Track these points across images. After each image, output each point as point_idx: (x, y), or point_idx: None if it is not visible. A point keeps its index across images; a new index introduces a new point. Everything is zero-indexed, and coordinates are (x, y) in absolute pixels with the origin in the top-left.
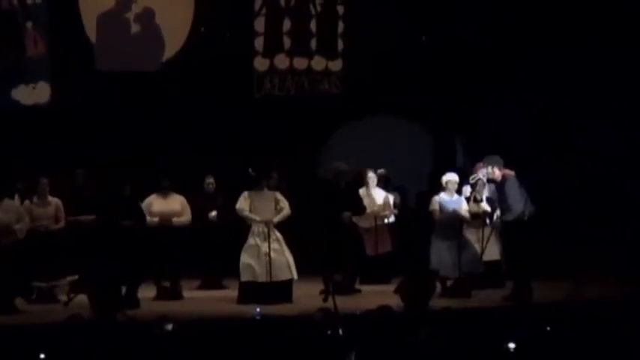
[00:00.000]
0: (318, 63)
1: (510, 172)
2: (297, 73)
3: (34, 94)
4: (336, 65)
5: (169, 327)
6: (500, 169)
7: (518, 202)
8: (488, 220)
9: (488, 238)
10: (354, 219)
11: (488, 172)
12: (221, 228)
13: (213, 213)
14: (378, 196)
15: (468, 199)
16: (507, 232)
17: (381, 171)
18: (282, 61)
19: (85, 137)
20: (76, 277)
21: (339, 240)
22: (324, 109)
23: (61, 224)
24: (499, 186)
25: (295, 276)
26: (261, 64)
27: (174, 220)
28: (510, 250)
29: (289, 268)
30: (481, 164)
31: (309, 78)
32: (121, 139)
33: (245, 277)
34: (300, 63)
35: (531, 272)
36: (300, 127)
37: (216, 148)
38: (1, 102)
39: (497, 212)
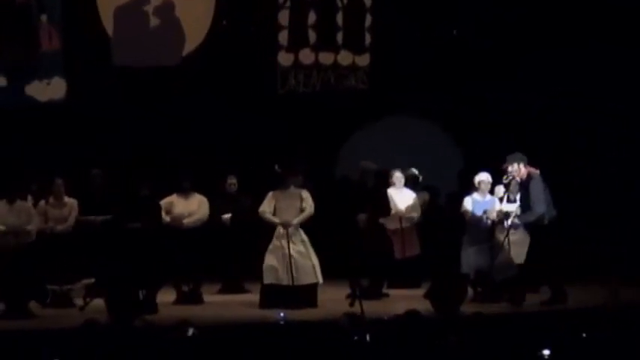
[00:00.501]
0: (345, 58)
1: (535, 171)
2: (323, 68)
3: (48, 90)
4: (364, 60)
5: (190, 332)
6: (525, 166)
7: (541, 202)
8: (506, 222)
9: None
10: (381, 220)
11: (514, 169)
12: (238, 230)
13: (227, 215)
14: (404, 196)
15: (500, 200)
16: (532, 234)
17: (410, 170)
18: (307, 56)
19: (101, 135)
20: (92, 280)
21: (366, 242)
22: (350, 106)
23: (69, 224)
24: (523, 184)
25: (320, 280)
26: (285, 59)
27: (185, 221)
28: (536, 254)
29: (314, 271)
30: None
31: (335, 73)
32: (139, 137)
33: (268, 279)
34: (326, 58)
35: (564, 276)
36: (326, 125)
37: (239, 147)
38: (14, 98)
39: (517, 211)
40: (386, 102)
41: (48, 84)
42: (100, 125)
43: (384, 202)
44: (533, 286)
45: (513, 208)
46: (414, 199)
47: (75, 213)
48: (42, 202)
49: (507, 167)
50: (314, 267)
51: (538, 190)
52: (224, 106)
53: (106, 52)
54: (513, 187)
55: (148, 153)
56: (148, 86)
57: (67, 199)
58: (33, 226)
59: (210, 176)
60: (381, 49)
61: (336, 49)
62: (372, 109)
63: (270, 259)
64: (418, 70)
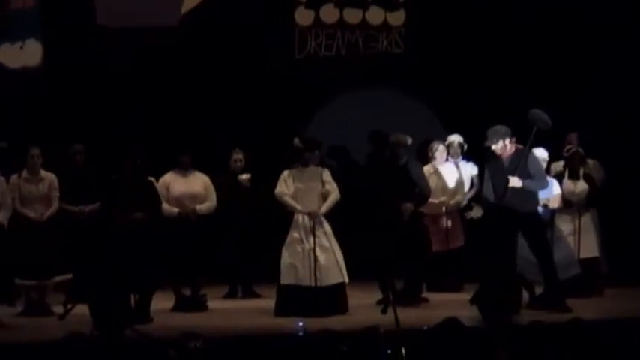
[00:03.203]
0: (375, 15)
1: (521, 147)
2: (349, 28)
3: (22, 55)
4: (397, 18)
5: (192, 345)
6: (511, 142)
7: (544, 173)
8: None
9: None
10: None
11: (498, 147)
12: (246, 218)
13: (245, 176)
14: (448, 174)
15: (560, 178)
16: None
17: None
18: (329, 13)
19: (83, 107)
20: (69, 276)
21: (399, 236)
22: (381, 74)
23: (54, 208)
24: (512, 161)
25: (346, 279)
26: (303, 17)
27: (198, 207)
28: None
29: (339, 268)
30: (575, 135)
31: (363, 34)
32: (128, 108)
33: (286, 279)
34: (352, 15)
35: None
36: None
37: (247, 119)
38: None
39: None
40: (424, 69)
41: (21, 48)
42: (82, 96)
43: (421, 186)
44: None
45: (586, 186)
46: (459, 178)
47: (56, 193)
48: (14, 177)
49: (490, 145)
50: (339, 264)
51: (537, 162)
52: (231, 71)
53: (89, 11)
54: (577, 160)
55: (141, 126)
56: (140, 50)
57: (44, 173)
58: (5, 212)
59: (212, 152)
60: (418, 4)
61: (364, 5)
62: (407, 76)
63: (288, 255)
64: (461, 32)
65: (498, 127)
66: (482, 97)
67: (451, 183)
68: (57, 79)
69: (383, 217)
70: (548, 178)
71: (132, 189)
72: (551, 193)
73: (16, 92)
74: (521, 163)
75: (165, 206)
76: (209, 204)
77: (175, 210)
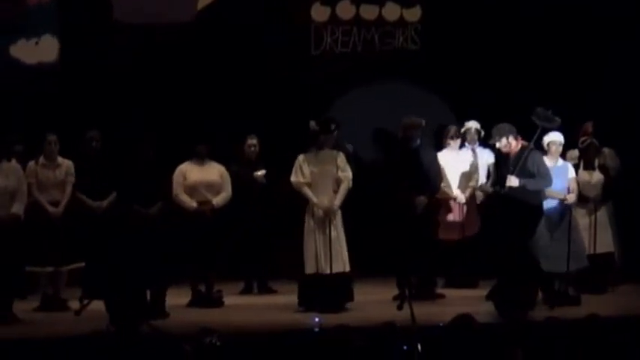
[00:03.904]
0: (391, 11)
1: (527, 143)
2: (365, 24)
3: (37, 51)
4: (414, 14)
5: (208, 340)
6: (516, 139)
7: (548, 172)
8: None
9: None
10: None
11: (503, 144)
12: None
13: (260, 172)
14: (462, 160)
15: (576, 167)
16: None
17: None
18: (345, 10)
19: (99, 103)
20: (82, 264)
21: (411, 230)
22: (397, 70)
23: (68, 193)
24: (516, 158)
25: (348, 268)
26: (319, 13)
27: (215, 201)
28: None
29: (344, 258)
30: (590, 124)
31: (379, 30)
32: (144, 104)
33: (310, 268)
34: (369, 12)
35: None
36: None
37: (261, 115)
38: None
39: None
40: (440, 65)
41: (37, 44)
42: (100, 90)
43: (435, 169)
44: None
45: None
46: (474, 163)
47: (71, 178)
48: (31, 163)
49: (495, 143)
50: (344, 253)
51: (542, 160)
52: (245, 69)
53: (106, 7)
54: (592, 151)
55: (157, 120)
56: (156, 46)
57: (60, 159)
58: (20, 203)
59: (227, 141)
60: (434, 0)
61: (380, 1)
62: (423, 73)
63: (310, 245)
64: (478, 28)
65: (502, 125)
66: (489, 95)
67: (466, 169)
68: (72, 76)
69: (395, 211)
70: (562, 162)
71: (144, 179)
72: (568, 174)
73: (32, 88)
74: (520, 162)
75: (184, 197)
76: (224, 194)
77: (194, 204)
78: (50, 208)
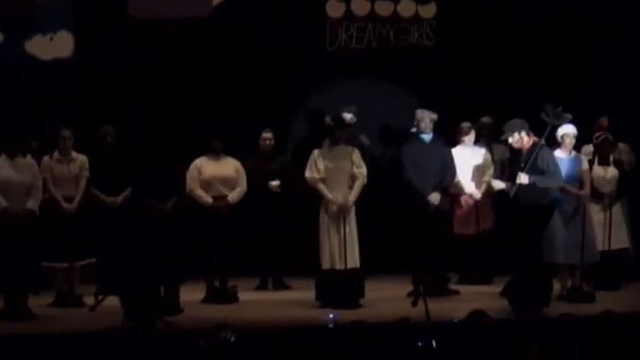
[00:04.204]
0: (406, 8)
1: (538, 139)
2: (380, 20)
3: (52, 46)
4: (429, 11)
5: (223, 336)
6: (528, 135)
7: (559, 169)
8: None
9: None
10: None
11: (515, 139)
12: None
13: (275, 182)
14: (475, 155)
15: (590, 163)
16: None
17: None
18: (360, 6)
19: (114, 99)
20: (93, 260)
21: (424, 226)
22: (412, 67)
23: (82, 187)
24: (528, 154)
25: (358, 264)
26: (334, 9)
27: (230, 197)
28: None
29: (356, 254)
30: (605, 119)
31: (394, 27)
32: (159, 99)
33: (326, 264)
34: (384, 8)
35: None
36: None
37: (277, 110)
38: (12, 57)
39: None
40: (455, 62)
41: (52, 39)
42: (115, 86)
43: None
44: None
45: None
46: (488, 158)
47: (86, 173)
48: (45, 158)
49: (507, 138)
50: (356, 249)
51: (552, 157)
52: (259, 65)
53: (121, 2)
54: (607, 147)
55: (171, 116)
56: (171, 42)
57: (75, 154)
58: (36, 199)
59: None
60: None
61: None
62: (438, 69)
63: (325, 240)
64: (492, 24)
65: (514, 121)
66: (504, 91)
67: (480, 164)
68: (87, 71)
69: (409, 206)
70: (575, 154)
71: (159, 174)
72: (582, 166)
73: (47, 84)
74: (531, 159)
75: (199, 192)
76: (240, 190)
77: (209, 199)
78: (64, 204)
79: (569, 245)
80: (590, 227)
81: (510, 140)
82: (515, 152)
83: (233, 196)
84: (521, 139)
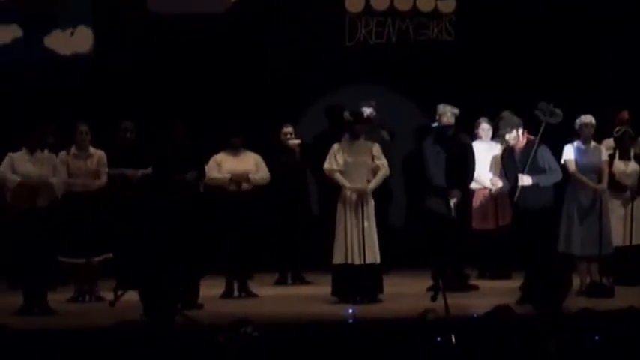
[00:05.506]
0: (426, 3)
1: (533, 138)
2: (399, 15)
3: (72, 41)
4: (448, 6)
5: (243, 331)
6: (523, 133)
7: (558, 166)
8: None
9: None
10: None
11: (512, 137)
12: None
13: (296, 141)
14: (495, 151)
15: (611, 158)
16: None
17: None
18: (380, 1)
19: (134, 93)
20: (110, 255)
21: (448, 220)
22: (432, 62)
23: (102, 181)
24: (523, 153)
25: (379, 260)
26: (354, 4)
27: (251, 176)
28: None
29: (376, 249)
30: (626, 112)
31: (413, 22)
32: (178, 93)
33: (339, 258)
34: (403, 3)
35: None
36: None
37: (297, 106)
38: (32, 52)
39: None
40: (474, 57)
41: (72, 34)
42: (134, 80)
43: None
44: None
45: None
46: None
47: (104, 168)
48: (62, 154)
49: (504, 134)
50: (375, 244)
51: (550, 155)
52: (279, 60)
53: None
54: (627, 141)
55: (191, 111)
56: (190, 37)
57: (92, 150)
58: (59, 179)
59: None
60: None
61: None
62: (458, 64)
63: (341, 234)
64: (511, 19)
65: (511, 117)
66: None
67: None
68: (107, 67)
69: (430, 202)
70: (594, 144)
71: (178, 162)
72: (601, 157)
73: (66, 79)
74: (530, 159)
75: (216, 174)
76: (262, 174)
77: (227, 175)
78: (81, 187)
79: (586, 238)
80: (607, 220)
81: (508, 137)
82: (507, 150)
83: (255, 176)
84: (518, 136)
